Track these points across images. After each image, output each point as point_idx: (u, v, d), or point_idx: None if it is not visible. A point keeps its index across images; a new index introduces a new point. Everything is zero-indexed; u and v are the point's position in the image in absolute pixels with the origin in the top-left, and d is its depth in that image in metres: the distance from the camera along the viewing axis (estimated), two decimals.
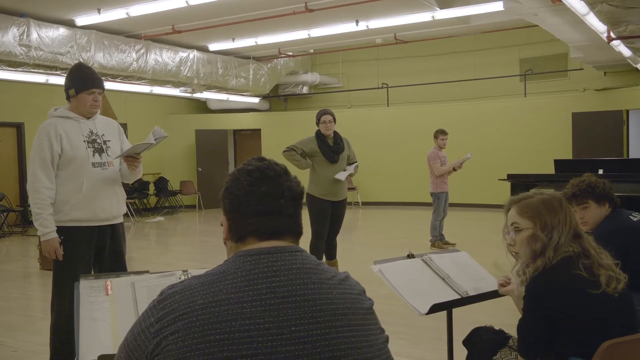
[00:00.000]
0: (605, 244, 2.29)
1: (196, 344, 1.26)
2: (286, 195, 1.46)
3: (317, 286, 1.38)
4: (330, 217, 6.28)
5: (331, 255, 6.48)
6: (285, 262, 1.39)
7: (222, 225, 1.53)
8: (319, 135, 6.29)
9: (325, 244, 6.45)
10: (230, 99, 15.46)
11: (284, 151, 6.30)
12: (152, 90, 13.26)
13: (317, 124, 6.33)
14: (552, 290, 2.09)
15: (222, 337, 1.26)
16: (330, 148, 6.27)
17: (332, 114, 6.31)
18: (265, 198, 1.44)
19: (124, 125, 11.27)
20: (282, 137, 15.99)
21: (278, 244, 1.44)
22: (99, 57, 10.53)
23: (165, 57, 11.96)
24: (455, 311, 2.85)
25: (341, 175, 6.25)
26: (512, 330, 2.39)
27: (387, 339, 1.48)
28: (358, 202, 15.50)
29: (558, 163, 8.00)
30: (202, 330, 1.27)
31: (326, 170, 6.23)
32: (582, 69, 13.24)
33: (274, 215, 1.45)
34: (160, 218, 14.27)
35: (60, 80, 10.48)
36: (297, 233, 1.50)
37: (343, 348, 1.33)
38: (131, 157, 3.56)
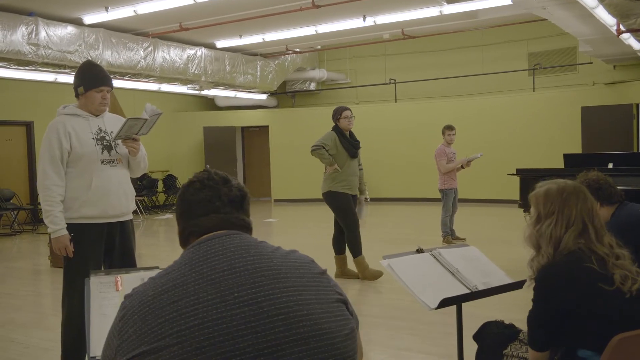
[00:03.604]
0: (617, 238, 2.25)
1: (151, 327, 1.36)
2: (223, 199, 1.60)
3: (256, 258, 1.47)
4: None
5: (340, 249, 6.49)
6: (223, 244, 1.50)
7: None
8: (338, 131, 6.33)
9: (335, 239, 6.48)
10: (238, 96, 15.47)
11: (312, 150, 6.31)
12: (160, 87, 13.29)
13: (337, 119, 6.39)
14: (561, 282, 2.07)
15: (172, 317, 1.35)
16: (351, 142, 6.37)
17: (351, 110, 6.45)
18: (202, 203, 1.60)
19: None
20: (290, 133, 16.03)
21: (215, 234, 1.55)
22: (107, 55, 10.56)
23: (172, 54, 11.98)
24: (465, 306, 2.85)
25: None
26: (522, 325, 2.39)
27: (343, 300, 1.53)
28: (367, 198, 15.48)
29: (567, 157, 7.95)
30: (155, 315, 1.37)
31: (347, 164, 6.31)
32: (592, 62, 13.14)
33: (210, 214, 1.58)
34: (169, 215, 14.33)
35: (68, 78, 10.52)
36: (240, 227, 1.60)
37: (290, 305, 1.40)
38: (129, 140, 3.56)
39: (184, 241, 1.62)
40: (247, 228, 1.62)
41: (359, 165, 6.53)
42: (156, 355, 1.33)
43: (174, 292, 1.39)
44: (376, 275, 6.30)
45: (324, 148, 6.27)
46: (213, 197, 1.59)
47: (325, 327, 1.41)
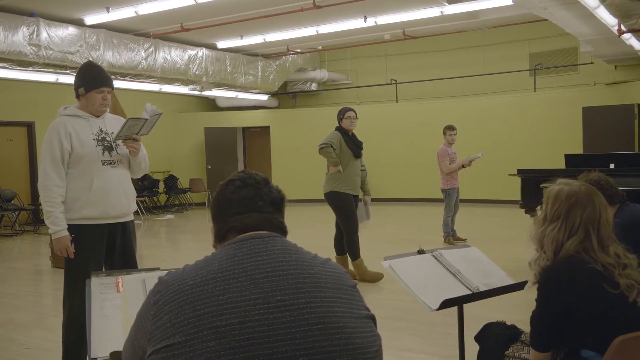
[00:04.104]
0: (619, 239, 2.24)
1: (187, 318, 1.34)
2: (265, 199, 1.60)
3: (298, 264, 1.47)
4: None
5: (342, 250, 6.49)
6: (266, 244, 1.50)
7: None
8: (342, 131, 6.34)
9: (337, 240, 6.49)
10: (239, 97, 15.48)
11: (320, 148, 6.29)
12: (161, 88, 13.30)
13: (340, 120, 6.40)
14: (562, 284, 2.06)
15: (212, 310, 1.34)
16: (355, 142, 6.40)
17: (355, 111, 6.46)
18: (245, 200, 1.58)
19: None
20: (291, 134, 16.03)
21: (257, 233, 1.54)
22: (108, 56, 10.57)
23: (174, 55, 11.98)
24: (466, 307, 2.84)
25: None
26: (524, 326, 2.38)
27: (372, 317, 1.53)
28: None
29: (569, 158, 7.94)
30: (193, 306, 1.36)
31: (351, 164, 6.31)
32: (593, 62, 13.13)
33: (252, 212, 1.57)
34: (170, 216, 14.33)
35: (70, 79, 10.53)
36: (279, 229, 1.59)
37: (329, 316, 1.39)
38: (130, 140, 3.56)
39: (222, 237, 1.59)
40: (285, 231, 1.62)
41: (362, 165, 6.54)
42: (191, 348, 1.31)
43: (214, 285, 1.38)
44: (376, 277, 6.29)
45: (331, 147, 6.27)
46: (255, 196, 1.59)
47: (358, 342, 1.41)
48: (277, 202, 1.62)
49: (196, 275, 1.42)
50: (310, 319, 1.36)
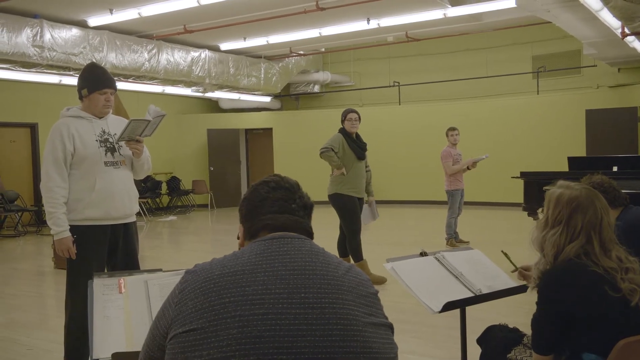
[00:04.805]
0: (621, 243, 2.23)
1: (212, 305, 1.38)
2: (298, 202, 1.65)
3: (324, 265, 1.51)
4: None
5: (345, 253, 6.49)
6: (295, 245, 1.54)
7: (238, 238, 1.69)
8: (345, 133, 6.34)
9: (340, 242, 6.49)
10: (241, 98, 15.49)
11: (321, 152, 6.30)
12: (164, 90, 13.31)
13: (343, 121, 6.40)
14: (562, 287, 2.06)
15: (237, 299, 1.38)
16: (358, 144, 6.39)
17: (358, 113, 6.46)
18: (279, 201, 1.63)
19: None
20: (294, 136, 16.03)
21: (288, 234, 1.58)
22: (111, 58, 10.58)
23: (177, 56, 11.99)
24: (468, 309, 2.84)
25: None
26: (526, 329, 2.37)
27: (390, 325, 1.55)
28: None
29: (572, 160, 7.93)
30: (218, 294, 1.40)
31: (354, 166, 6.30)
32: (596, 65, 13.12)
33: (285, 214, 1.61)
34: (172, 217, 14.33)
35: (73, 80, 10.55)
36: (307, 233, 1.63)
37: (349, 319, 1.42)
38: (132, 141, 3.56)
39: (253, 234, 1.62)
40: (312, 236, 1.66)
41: (367, 167, 6.53)
42: (213, 334, 1.35)
43: (242, 277, 1.43)
44: (380, 281, 6.28)
45: (332, 150, 6.27)
46: (289, 198, 1.64)
47: (375, 347, 1.44)
48: (308, 207, 1.68)
49: (224, 266, 1.47)
50: (331, 319, 1.39)
